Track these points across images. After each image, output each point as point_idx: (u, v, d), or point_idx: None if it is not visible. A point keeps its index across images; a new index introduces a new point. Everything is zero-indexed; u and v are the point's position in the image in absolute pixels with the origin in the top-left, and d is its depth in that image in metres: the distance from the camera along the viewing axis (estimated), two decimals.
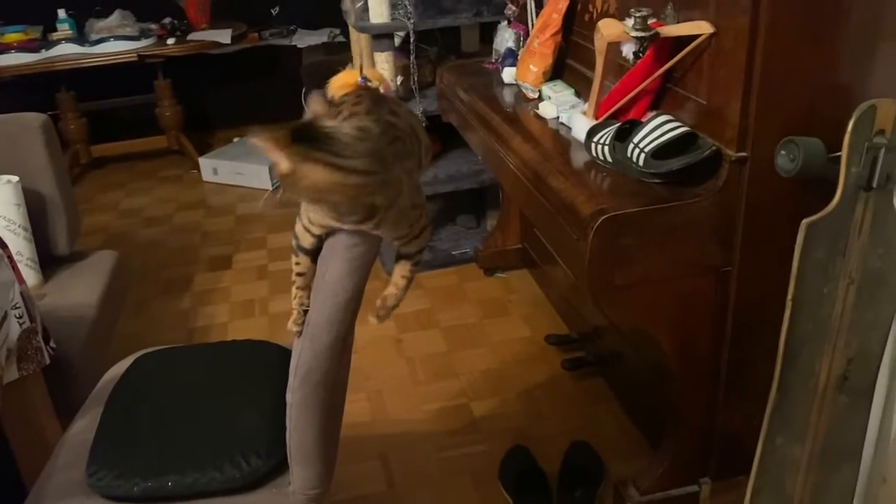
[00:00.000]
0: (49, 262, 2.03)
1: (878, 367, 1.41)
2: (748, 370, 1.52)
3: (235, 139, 4.13)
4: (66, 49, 3.61)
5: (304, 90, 3.65)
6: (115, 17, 3.75)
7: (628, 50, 1.57)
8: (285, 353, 1.34)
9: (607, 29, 1.53)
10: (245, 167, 3.67)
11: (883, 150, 1.24)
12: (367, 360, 2.32)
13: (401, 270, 1.13)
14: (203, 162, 3.85)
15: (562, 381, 2.17)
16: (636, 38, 1.48)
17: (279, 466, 1.27)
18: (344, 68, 1.29)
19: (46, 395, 1.56)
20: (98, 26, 3.71)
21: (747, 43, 1.27)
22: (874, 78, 1.32)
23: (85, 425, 1.40)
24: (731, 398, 1.56)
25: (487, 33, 2.65)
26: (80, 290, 1.97)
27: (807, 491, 1.44)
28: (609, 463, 1.85)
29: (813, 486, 1.44)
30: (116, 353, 1.67)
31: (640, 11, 1.45)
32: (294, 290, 1.19)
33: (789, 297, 1.30)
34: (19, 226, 1.89)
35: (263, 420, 1.31)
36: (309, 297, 1.17)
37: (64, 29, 3.73)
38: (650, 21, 1.48)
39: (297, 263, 1.18)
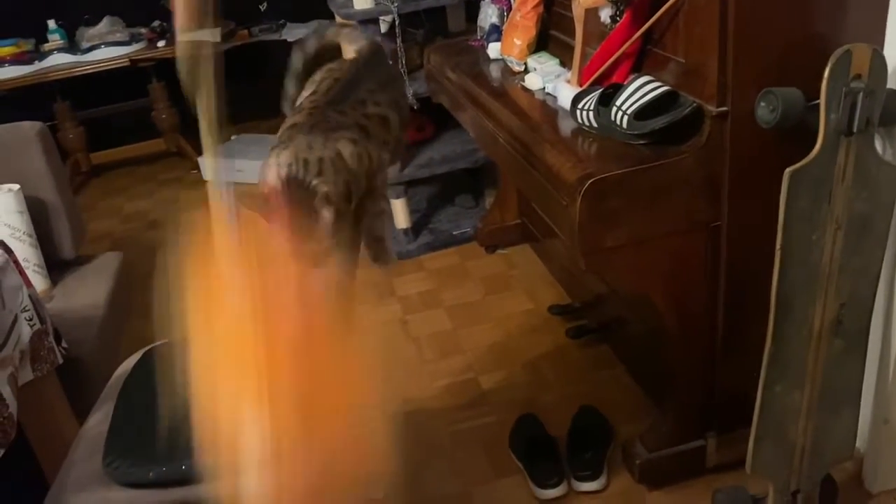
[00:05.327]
0: (56, 266, 2.07)
1: (871, 310, 1.43)
2: (744, 323, 1.54)
3: (233, 137, 4.16)
4: (59, 59, 3.65)
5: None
6: (105, 24, 3.77)
7: (606, 15, 1.59)
8: None
9: None
10: (244, 164, 3.67)
11: (861, 95, 1.26)
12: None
13: None
14: (203, 161, 3.88)
15: (566, 349, 2.19)
16: (612, 2, 1.49)
17: None
18: None
19: (61, 393, 1.60)
20: (89, 34, 3.73)
21: None
22: (847, 24, 1.33)
23: (100, 419, 1.44)
24: (729, 351, 1.58)
25: (473, 12, 2.65)
26: (88, 291, 2.01)
27: (808, 436, 1.46)
28: (617, 424, 1.88)
29: (814, 431, 1.47)
30: (129, 351, 1.70)
31: None
32: None
33: (778, 245, 1.32)
34: (24, 233, 1.93)
35: None
36: None
37: (55, 39, 3.76)
38: None
39: None
